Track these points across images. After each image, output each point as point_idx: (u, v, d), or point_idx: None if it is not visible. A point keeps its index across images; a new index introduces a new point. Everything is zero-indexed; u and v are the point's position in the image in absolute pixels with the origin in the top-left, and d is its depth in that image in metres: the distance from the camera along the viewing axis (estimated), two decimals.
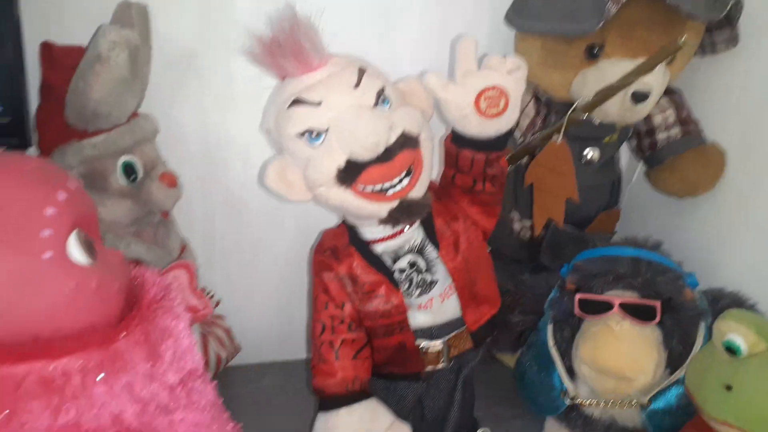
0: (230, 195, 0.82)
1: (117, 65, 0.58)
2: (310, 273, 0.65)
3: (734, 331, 0.55)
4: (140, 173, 0.68)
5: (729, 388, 0.54)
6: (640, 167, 0.85)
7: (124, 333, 0.37)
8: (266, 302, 0.89)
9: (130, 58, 0.59)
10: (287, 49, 0.48)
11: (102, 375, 0.36)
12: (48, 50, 0.64)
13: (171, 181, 0.71)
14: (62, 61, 0.63)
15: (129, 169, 0.67)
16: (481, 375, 0.87)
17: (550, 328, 0.73)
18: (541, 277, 0.80)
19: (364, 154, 0.48)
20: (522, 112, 0.73)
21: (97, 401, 0.36)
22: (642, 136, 0.78)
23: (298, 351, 0.92)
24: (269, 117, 0.54)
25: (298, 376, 0.84)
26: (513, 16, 0.68)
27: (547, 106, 0.74)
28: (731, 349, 0.56)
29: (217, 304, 0.80)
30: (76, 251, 0.38)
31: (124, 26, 0.60)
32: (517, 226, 0.81)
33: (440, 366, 0.61)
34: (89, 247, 0.39)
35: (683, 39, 0.53)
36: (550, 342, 0.73)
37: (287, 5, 0.49)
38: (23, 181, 0.37)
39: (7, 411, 0.34)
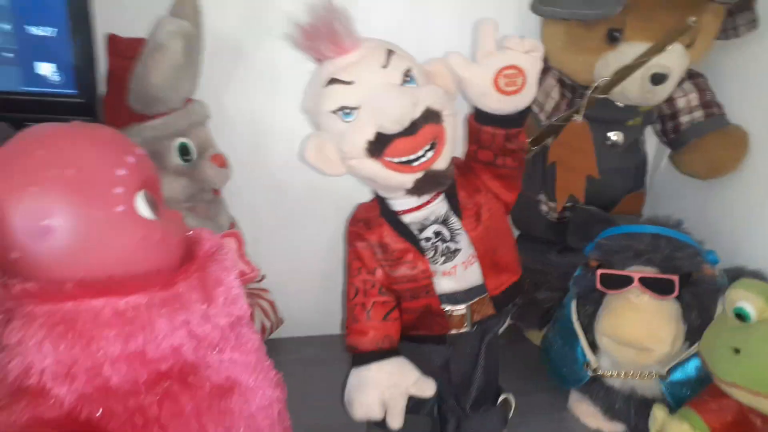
0: (274, 177, 0.88)
1: (174, 52, 0.64)
2: (346, 249, 0.70)
3: (744, 299, 0.58)
4: (194, 154, 0.74)
5: (737, 351, 0.56)
6: (668, 152, 0.87)
7: (183, 276, 0.43)
8: (307, 278, 0.94)
9: (185, 46, 0.64)
10: (323, 34, 0.54)
11: (164, 310, 0.42)
12: (113, 42, 0.70)
13: (221, 161, 0.77)
14: (125, 52, 0.69)
15: (184, 150, 0.73)
16: (510, 352, 0.91)
17: (573, 304, 0.77)
18: (567, 257, 0.83)
19: (391, 127, 0.53)
20: (548, 96, 0.77)
21: (160, 333, 0.42)
22: (666, 119, 0.80)
23: (336, 326, 0.97)
24: (308, 97, 0.59)
25: (336, 349, 0.87)
26: (537, 4, 0.72)
27: (572, 91, 0.77)
28: (741, 316, 0.58)
29: (263, 278, 0.86)
30: (143, 207, 0.44)
31: (180, 18, 0.67)
32: (544, 207, 0.85)
33: (464, 330, 0.65)
34: (154, 204, 0.45)
35: (693, 19, 0.56)
36: (574, 317, 0.76)
37: None
38: (99, 146, 0.44)
39: None
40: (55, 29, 0.54)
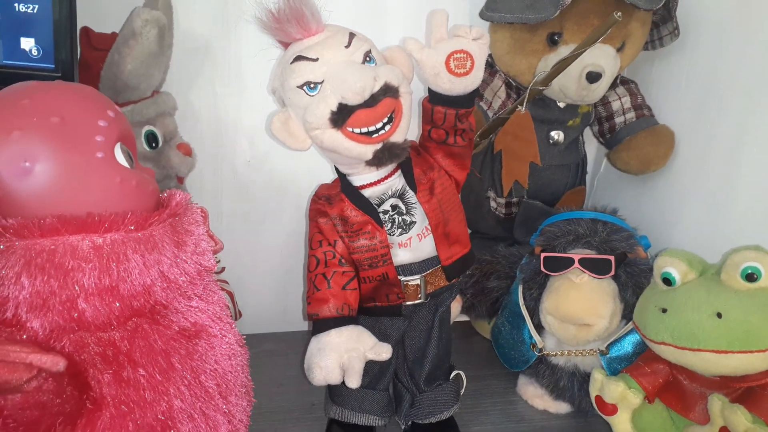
0: (237, 172, 0.91)
1: (148, 40, 0.67)
2: (307, 248, 0.73)
3: (669, 265, 0.64)
4: (160, 142, 0.77)
5: (664, 311, 0.62)
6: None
7: (157, 220, 0.46)
8: (267, 274, 0.97)
9: (159, 35, 0.68)
10: (292, 17, 0.59)
11: (139, 248, 0.45)
12: (86, 34, 0.73)
13: (186, 150, 0.80)
14: (98, 44, 0.73)
15: (151, 137, 0.76)
16: (464, 344, 0.96)
17: (520, 289, 0.82)
18: (514, 248, 0.89)
19: (353, 98, 0.57)
20: (495, 95, 0.84)
21: (133, 270, 0.44)
22: (602, 120, 0.88)
23: (295, 324, 0.99)
24: (275, 76, 0.64)
25: (297, 344, 0.89)
26: (485, 11, 0.79)
27: (517, 92, 0.84)
28: (668, 280, 0.64)
29: (222, 270, 0.88)
30: (120, 156, 0.47)
31: (154, 9, 0.71)
32: (493, 204, 0.90)
33: (419, 301, 0.68)
34: (129, 156, 0.49)
35: (619, 14, 0.63)
36: (521, 301, 0.81)
37: None
38: (83, 99, 0.47)
39: None
40: (37, 5, 0.57)
